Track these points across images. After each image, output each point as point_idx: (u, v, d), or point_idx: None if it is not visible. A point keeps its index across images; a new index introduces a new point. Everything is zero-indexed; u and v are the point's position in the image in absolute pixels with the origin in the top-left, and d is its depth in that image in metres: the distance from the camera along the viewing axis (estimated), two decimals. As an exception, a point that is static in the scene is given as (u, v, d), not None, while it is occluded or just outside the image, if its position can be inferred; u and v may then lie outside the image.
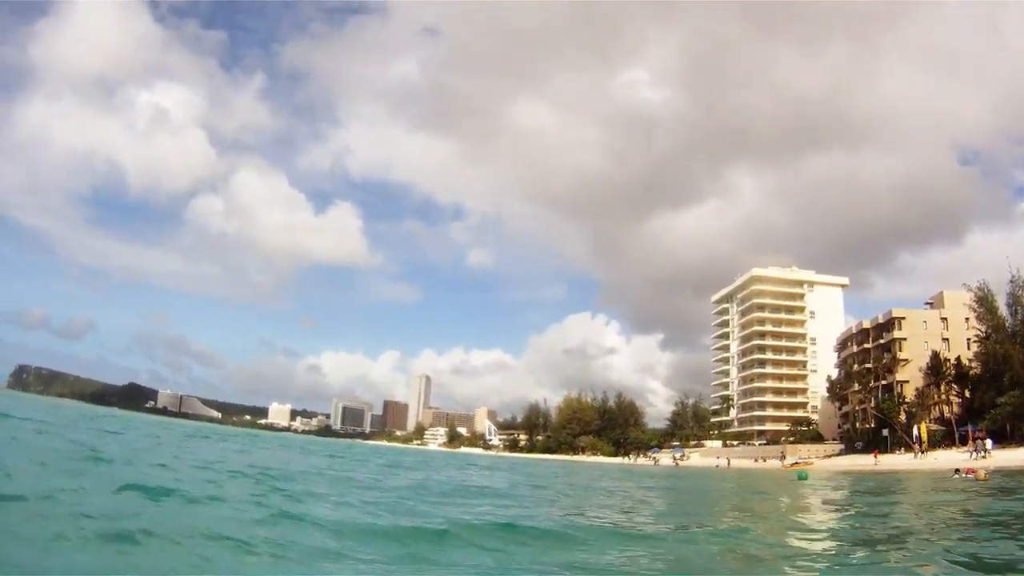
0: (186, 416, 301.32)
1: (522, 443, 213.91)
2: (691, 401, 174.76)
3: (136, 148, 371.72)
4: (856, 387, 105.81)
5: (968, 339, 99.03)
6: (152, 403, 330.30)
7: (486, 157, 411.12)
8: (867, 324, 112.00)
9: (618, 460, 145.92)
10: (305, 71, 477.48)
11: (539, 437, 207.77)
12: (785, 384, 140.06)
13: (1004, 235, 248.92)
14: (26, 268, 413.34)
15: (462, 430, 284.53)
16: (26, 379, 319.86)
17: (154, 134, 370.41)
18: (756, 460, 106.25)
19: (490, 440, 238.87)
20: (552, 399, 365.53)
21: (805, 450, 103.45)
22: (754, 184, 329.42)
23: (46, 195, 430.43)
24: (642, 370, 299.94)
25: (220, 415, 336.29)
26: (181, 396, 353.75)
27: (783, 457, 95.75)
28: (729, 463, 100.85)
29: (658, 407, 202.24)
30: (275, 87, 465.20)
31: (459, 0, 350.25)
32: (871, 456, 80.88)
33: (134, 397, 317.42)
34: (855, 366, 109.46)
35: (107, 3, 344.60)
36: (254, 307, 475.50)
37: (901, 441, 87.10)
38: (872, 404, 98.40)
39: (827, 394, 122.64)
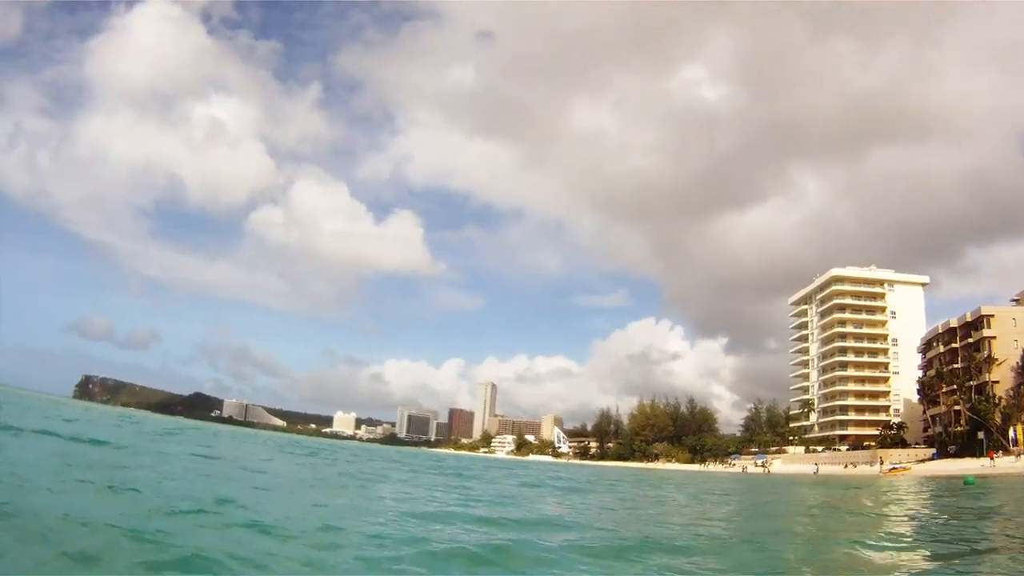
0: (251, 425, 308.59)
1: (592, 450, 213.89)
2: (764, 406, 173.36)
3: (195, 161, 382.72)
4: (948, 388, 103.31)
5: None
6: (217, 412, 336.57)
7: (545, 162, 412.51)
8: (954, 323, 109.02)
9: (695, 467, 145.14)
10: (360, 79, 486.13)
11: (610, 444, 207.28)
12: (867, 387, 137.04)
13: None
14: (90, 281, 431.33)
15: (530, 437, 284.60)
16: (91, 389, 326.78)
17: (212, 147, 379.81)
18: (846, 466, 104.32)
19: (559, 447, 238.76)
20: (615, 405, 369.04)
21: (897, 455, 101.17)
22: (816, 182, 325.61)
23: (108, 209, 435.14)
24: (706, 375, 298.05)
25: (285, 424, 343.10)
26: (246, 405, 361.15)
27: (881, 462, 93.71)
28: (817, 470, 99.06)
29: (723, 412, 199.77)
30: (331, 96, 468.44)
31: (513, 2, 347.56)
32: (973, 460, 79.32)
33: (199, 406, 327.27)
34: (942, 367, 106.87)
35: (159, 18, 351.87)
36: (317, 316, 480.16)
37: (997, 443, 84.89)
38: (966, 405, 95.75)
39: (916, 396, 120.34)
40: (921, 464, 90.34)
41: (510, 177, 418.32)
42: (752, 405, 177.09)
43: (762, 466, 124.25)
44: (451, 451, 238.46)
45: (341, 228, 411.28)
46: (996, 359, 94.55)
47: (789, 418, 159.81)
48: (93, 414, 62.91)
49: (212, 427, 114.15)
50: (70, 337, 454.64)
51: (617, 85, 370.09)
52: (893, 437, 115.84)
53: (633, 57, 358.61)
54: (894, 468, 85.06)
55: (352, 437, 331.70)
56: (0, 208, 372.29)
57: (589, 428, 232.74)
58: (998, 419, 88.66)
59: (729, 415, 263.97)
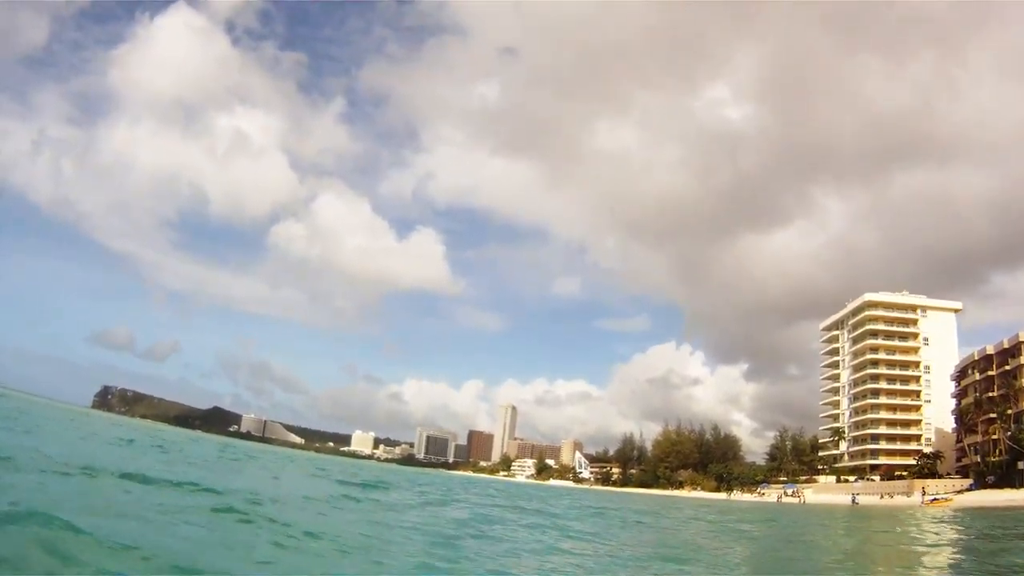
0: (269, 441, 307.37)
1: (615, 476, 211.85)
2: (789, 434, 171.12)
3: (218, 172, 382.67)
4: (986, 416, 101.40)
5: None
6: (236, 427, 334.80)
7: (569, 181, 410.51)
8: (990, 350, 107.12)
9: (722, 496, 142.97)
10: (385, 94, 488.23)
11: (633, 471, 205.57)
12: (899, 415, 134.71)
13: None
14: (111, 291, 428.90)
15: (549, 462, 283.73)
16: (110, 400, 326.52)
17: (235, 158, 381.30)
18: (881, 496, 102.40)
19: (580, 473, 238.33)
20: (635, 430, 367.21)
21: (934, 485, 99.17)
22: (840, 204, 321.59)
23: (132, 219, 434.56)
24: (726, 401, 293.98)
25: (303, 441, 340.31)
26: (265, 421, 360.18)
27: (924, 492, 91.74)
28: (855, 500, 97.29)
29: (743, 440, 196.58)
30: (355, 110, 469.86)
31: (537, 17, 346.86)
32: (1015, 491, 77.72)
33: (218, 421, 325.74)
34: (980, 395, 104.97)
35: (184, 27, 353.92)
36: (337, 333, 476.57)
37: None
38: (1006, 434, 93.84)
39: (949, 425, 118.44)
40: (961, 495, 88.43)
41: (533, 196, 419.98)
42: (777, 433, 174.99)
43: (793, 495, 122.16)
44: (470, 474, 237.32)
45: (363, 244, 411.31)
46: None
47: (817, 447, 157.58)
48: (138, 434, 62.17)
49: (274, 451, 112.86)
50: (91, 347, 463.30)
51: (640, 103, 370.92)
52: (929, 467, 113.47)
53: (657, 75, 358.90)
54: (936, 500, 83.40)
55: (370, 457, 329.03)
56: (26, 216, 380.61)
57: (611, 453, 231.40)
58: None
59: (749, 443, 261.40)
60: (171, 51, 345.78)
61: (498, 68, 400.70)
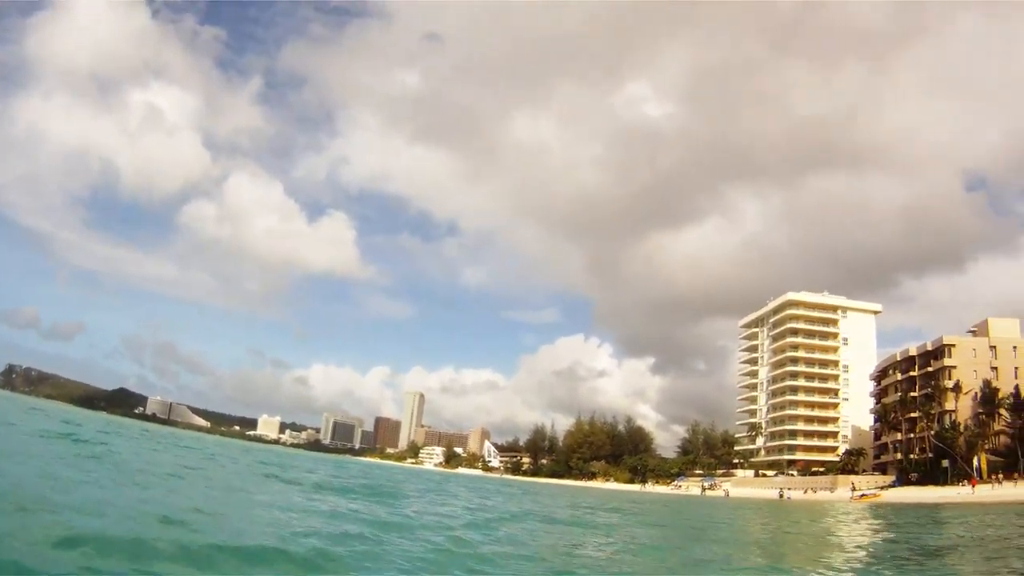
0: (174, 424, 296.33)
1: (525, 466, 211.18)
2: (702, 428, 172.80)
3: (129, 148, 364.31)
4: (911, 415, 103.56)
5: (1016, 367, 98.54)
6: (141, 409, 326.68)
7: (485, 172, 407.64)
8: (913, 351, 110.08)
9: (636, 488, 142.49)
10: (303, 75, 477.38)
11: (544, 461, 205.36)
12: (817, 412, 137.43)
13: (1007, 264, 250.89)
14: (18, 267, 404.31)
15: (458, 450, 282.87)
16: (14, 379, 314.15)
17: (147, 134, 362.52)
18: (806, 491, 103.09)
19: (490, 462, 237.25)
20: (540, 420, 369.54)
21: (856, 481, 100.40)
22: (756, 205, 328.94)
23: (44, 194, 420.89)
24: (633, 394, 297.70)
25: (208, 424, 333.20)
26: (171, 403, 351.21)
27: (853, 489, 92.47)
28: (783, 495, 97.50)
29: (649, 432, 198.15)
30: (273, 91, 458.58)
31: (465, 5, 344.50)
32: (943, 488, 79.21)
33: (123, 402, 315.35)
34: (904, 395, 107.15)
35: None
36: (245, 316, 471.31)
37: (962, 472, 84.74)
38: (931, 433, 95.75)
39: (866, 423, 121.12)
40: (887, 491, 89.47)
41: (448, 184, 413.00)
42: (690, 427, 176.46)
43: (711, 488, 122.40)
44: (378, 460, 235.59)
45: (274, 226, 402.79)
46: (961, 389, 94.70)
47: (730, 441, 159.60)
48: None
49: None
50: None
51: (562, 98, 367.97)
52: (852, 463, 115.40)
53: (580, 69, 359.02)
54: (864, 495, 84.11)
55: (276, 441, 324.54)
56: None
57: (521, 443, 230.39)
58: (964, 447, 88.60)
59: (654, 435, 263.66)
60: (89, 20, 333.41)
61: (421, 54, 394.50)
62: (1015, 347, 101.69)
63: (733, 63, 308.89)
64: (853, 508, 60.82)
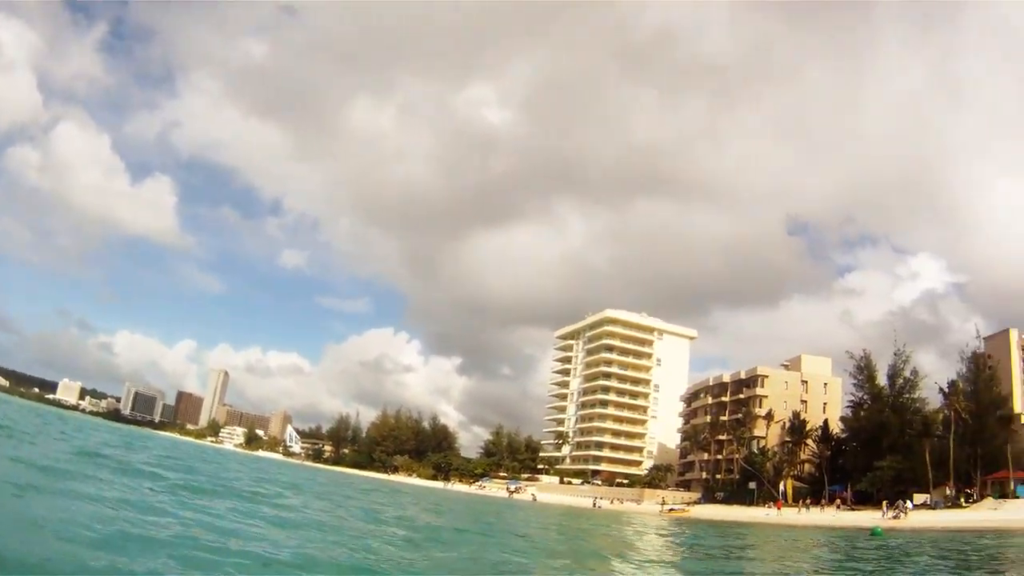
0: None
1: (327, 454, 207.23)
2: (506, 431, 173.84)
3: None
4: (719, 437, 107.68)
5: (824, 402, 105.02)
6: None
7: (316, 154, 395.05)
8: (727, 378, 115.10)
9: (439, 484, 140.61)
10: (152, 29, 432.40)
11: (346, 450, 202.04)
12: (625, 427, 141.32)
13: (818, 307, 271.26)
14: None
15: (259, 432, 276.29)
16: None
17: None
18: (612, 501, 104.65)
19: (291, 447, 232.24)
20: (343, 409, 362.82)
21: (671, 496, 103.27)
22: (581, 221, 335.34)
23: None
24: (437, 392, 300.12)
25: (8, 384, 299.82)
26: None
27: (663, 503, 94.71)
28: (595, 504, 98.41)
29: (453, 431, 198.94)
30: (117, 41, 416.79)
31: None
32: (750, 508, 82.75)
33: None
34: (715, 418, 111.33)
35: None
36: (55, 272, 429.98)
37: (768, 495, 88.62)
38: (741, 456, 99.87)
39: (677, 441, 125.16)
40: (694, 507, 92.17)
41: (278, 163, 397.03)
42: (494, 430, 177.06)
43: (516, 491, 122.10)
44: (177, 436, 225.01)
45: (95, 182, 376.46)
46: (773, 417, 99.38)
47: (535, 447, 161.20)
48: None
49: None
50: None
51: (405, 90, 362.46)
52: (660, 478, 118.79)
53: (427, 65, 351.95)
54: (673, 509, 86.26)
55: (75, 408, 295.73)
56: None
57: (324, 431, 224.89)
58: (771, 472, 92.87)
59: (457, 434, 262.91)
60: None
61: (273, 26, 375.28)
62: (825, 384, 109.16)
63: (579, 80, 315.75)
64: (663, 521, 62.69)
